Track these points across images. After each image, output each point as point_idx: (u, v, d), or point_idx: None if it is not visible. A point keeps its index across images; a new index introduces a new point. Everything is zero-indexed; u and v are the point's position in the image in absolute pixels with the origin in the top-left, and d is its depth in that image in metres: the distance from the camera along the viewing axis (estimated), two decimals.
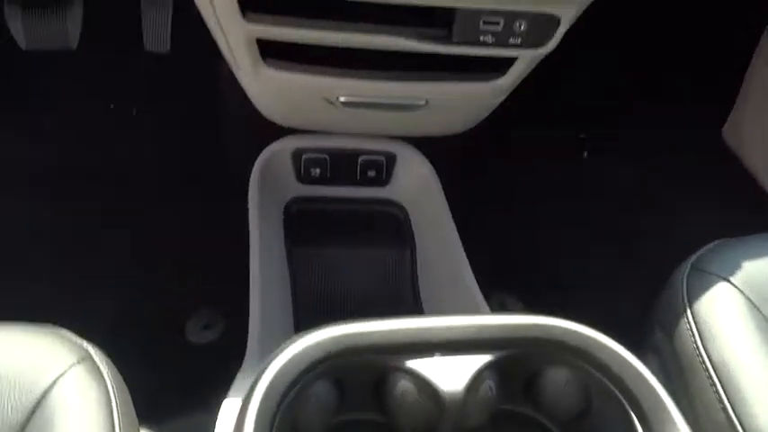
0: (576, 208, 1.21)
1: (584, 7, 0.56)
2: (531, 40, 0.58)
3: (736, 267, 0.53)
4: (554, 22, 0.56)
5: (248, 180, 1.11)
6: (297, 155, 1.09)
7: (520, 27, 0.56)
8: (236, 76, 0.74)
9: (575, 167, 1.32)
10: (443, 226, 1.07)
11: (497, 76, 0.67)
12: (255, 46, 0.63)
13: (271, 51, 0.63)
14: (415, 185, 1.12)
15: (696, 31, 1.21)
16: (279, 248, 1.10)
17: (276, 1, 0.53)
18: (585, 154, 1.31)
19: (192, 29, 0.76)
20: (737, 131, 1.33)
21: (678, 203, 1.24)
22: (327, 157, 1.08)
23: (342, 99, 0.69)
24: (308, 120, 0.86)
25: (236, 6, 0.55)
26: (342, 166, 1.10)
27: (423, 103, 0.70)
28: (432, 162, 1.11)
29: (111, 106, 1.32)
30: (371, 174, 1.11)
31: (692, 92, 1.28)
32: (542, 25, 0.56)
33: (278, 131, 1.03)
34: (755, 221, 1.25)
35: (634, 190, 1.26)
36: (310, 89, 0.68)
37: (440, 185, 1.11)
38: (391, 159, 1.10)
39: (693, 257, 0.57)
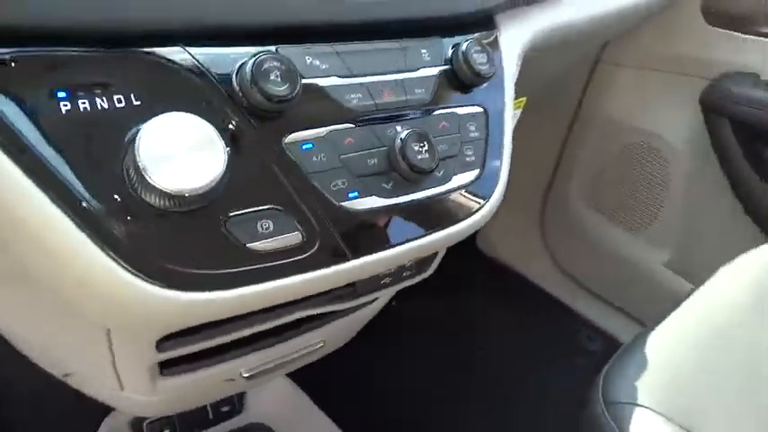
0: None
1: None
2: (418, 270, 0.65)
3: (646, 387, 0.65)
4: (434, 253, 0.65)
5: None
6: (136, 424, 0.96)
7: (409, 263, 0.63)
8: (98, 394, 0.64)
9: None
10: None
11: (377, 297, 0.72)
12: (156, 366, 0.57)
13: (169, 362, 0.58)
14: (274, 399, 1.08)
15: None
16: None
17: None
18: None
19: None
20: (487, 239, 1.64)
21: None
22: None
23: (245, 374, 0.66)
24: (197, 401, 0.78)
25: (152, 345, 0.50)
26: (190, 416, 1.00)
27: (322, 344, 0.71)
28: None
29: None
30: (225, 408, 1.04)
31: None
32: (426, 258, 0.64)
33: (95, 406, 0.90)
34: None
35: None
36: (211, 377, 0.63)
37: (298, 389, 1.10)
38: None
39: (600, 389, 0.68)
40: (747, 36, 1.12)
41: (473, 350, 1.41)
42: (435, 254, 0.66)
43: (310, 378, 1.12)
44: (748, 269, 0.88)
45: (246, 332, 0.56)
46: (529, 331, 1.48)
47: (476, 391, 1.30)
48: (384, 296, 0.73)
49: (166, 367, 0.58)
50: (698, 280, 0.88)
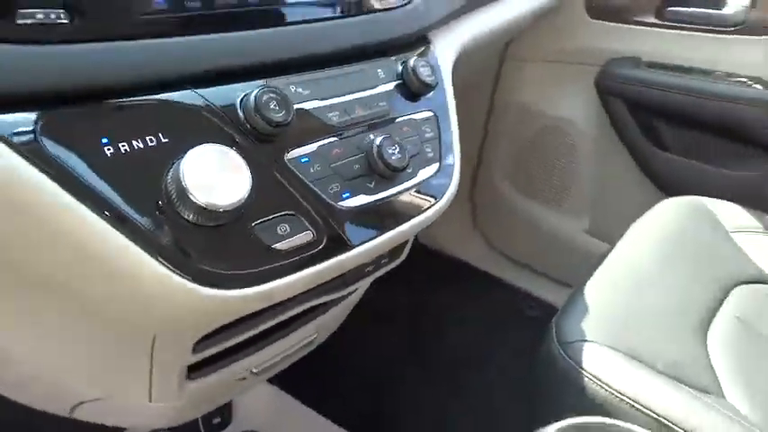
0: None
1: None
2: (393, 257, 0.76)
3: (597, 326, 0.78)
4: (405, 241, 0.76)
5: None
6: None
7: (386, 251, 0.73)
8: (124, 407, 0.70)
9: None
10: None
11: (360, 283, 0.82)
12: (185, 371, 0.64)
13: (195, 366, 0.65)
14: (260, 405, 1.15)
15: None
16: None
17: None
18: None
19: None
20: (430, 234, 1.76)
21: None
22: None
23: (255, 370, 0.74)
24: (212, 404, 0.85)
25: (190, 348, 0.58)
26: (183, 428, 1.06)
27: (315, 336, 0.80)
28: None
29: None
30: (216, 420, 1.10)
31: None
32: (399, 246, 0.75)
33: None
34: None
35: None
36: (228, 376, 0.71)
37: (280, 391, 1.17)
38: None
39: (554, 334, 0.81)
40: (625, 25, 1.31)
41: (425, 335, 1.52)
42: (407, 241, 0.76)
43: (286, 379, 1.20)
44: (653, 222, 1.05)
45: (264, 327, 0.65)
46: (473, 309, 1.61)
47: (435, 374, 1.41)
48: (363, 286, 0.83)
49: (193, 370, 0.65)
50: (614, 239, 1.03)
